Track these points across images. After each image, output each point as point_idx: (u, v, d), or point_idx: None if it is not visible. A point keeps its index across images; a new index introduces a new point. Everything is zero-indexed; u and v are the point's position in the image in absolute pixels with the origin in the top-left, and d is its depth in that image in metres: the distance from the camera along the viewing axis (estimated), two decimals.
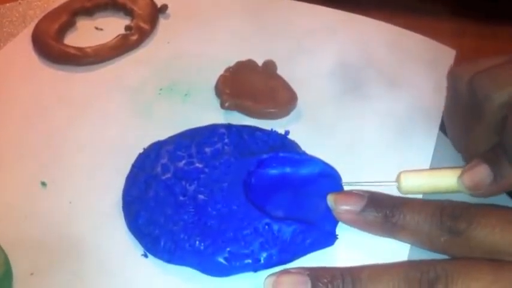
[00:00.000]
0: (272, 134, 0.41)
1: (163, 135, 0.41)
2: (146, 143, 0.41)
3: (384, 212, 0.33)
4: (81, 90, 0.47)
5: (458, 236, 0.31)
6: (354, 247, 0.35)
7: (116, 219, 0.37)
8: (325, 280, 0.30)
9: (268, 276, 0.31)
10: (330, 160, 0.39)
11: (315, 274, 0.30)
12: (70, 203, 0.38)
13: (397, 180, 0.37)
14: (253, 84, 0.45)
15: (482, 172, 0.35)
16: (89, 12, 0.55)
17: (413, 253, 0.34)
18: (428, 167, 0.40)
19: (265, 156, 0.38)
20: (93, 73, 0.49)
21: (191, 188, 0.36)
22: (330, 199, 0.35)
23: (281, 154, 0.38)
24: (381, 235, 0.34)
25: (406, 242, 0.34)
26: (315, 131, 0.43)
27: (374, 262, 0.33)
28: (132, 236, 0.36)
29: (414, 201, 0.34)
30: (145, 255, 0.35)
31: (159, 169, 0.38)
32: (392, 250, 0.34)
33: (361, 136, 0.43)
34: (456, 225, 0.31)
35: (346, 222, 0.35)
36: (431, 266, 0.29)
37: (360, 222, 0.34)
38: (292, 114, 0.44)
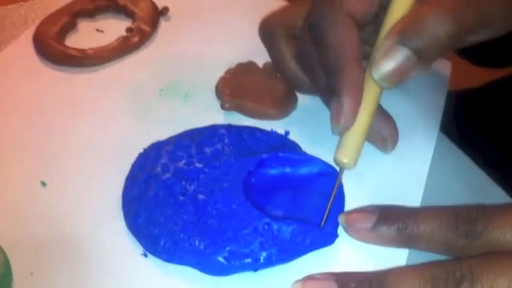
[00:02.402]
0: (272, 134, 0.41)
1: (163, 135, 0.41)
2: (146, 143, 0.41)
3: (397, 224, 0.32)
4: (82, 91, 0.47)
5: (476, 239, 0.30)
6: (354, 246, 0.35)
7: (115, 219, 0.37)
8: (352, 285, 0.30)
9: (294, 282, 0.32)
10: (329, 160, 0.39)
11: (342, 280, 0.30)
12: (70, 202, 0.38)
13: (340, 164, 0.36)
14: (253, 85, 0.45)
15: (401, 51, 0.33)
16: (89, 14, 0.55)
17: (413, 251, 0.34)
18: (428, 168, 0.40)
19: (265, 156, 0.38)
20: (94, 74, 0.49)
21: (191, 188, 0.36)
22: (341, 220, 0.35)
23: (281, 154, 0.38)
24: (396, 247, 0.34)
25: (423, 251, 0.33)
26: (314, 131, 0.43)
27: (374, 261, 0.34)
28: (131, 236, 0.36)
29: (426, 210, 0.33)
30: (145, 255, 0.35)
31: (159, 169, 0.38)
32: (392, 249, 0.34)
33: None
34: (473, 228, 0.30)
35: (360, 240, 0.34)
36: (457, 265, 0.28)
37: (374, 238, 0.34)
38: (293, 114, 0.44)
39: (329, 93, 0.36)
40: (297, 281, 0.32)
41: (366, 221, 0.33)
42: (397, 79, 0.34)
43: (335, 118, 0.35)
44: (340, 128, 0.35)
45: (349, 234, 0.35)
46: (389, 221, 0.33)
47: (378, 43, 0.36)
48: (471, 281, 0.28)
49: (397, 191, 0.38)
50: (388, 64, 0.33)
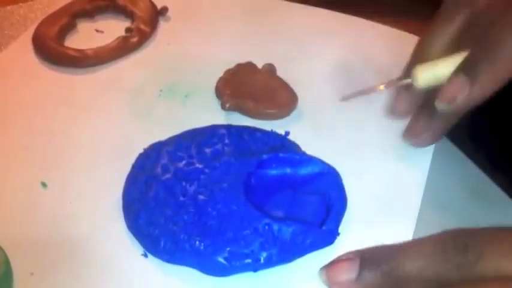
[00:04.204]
0: (272, 134, 0.41)
1: (163, 136, 0.41)
2: (146, 143, 0.41)
3: (381, 269, 0.29)
4: (82, 91, 0.47)
5: (470, 270, 0.27)
6: (354, 246, 0.35)
7: (116, 220, 0.37)
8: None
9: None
10: (330, 160, 0.39)
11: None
12: (70, 203, 0.38)
13: (413, 75, 0.37)
14: (253, 85, 0.45)
15: (459, 82, 0.35)
16: (89, 14, 0.55)
17: None
18: (428, 169, 0.40)
19: (265, 156, 0.38)
20: (93, 75, 0.49)
21: (191, 189, 0.36)
22: (322, 275, 0.31)
23: (281, 155, 0.38)
24: None
25: None
26: (315, 131, 0.43)
27: None
28: (132, 236, 0.36)
29: (409, 244, 0.29)
30: (145, 255, 0.35)
31: (159, 169, 0.38)
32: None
33: (361, 136, 0.43)
34: (465, 259, 0.27)
35: None
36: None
37: None
38: (293, 114, 0.44)
39: None
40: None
41: (348, 271, 0.30)
42: (453, 104, 0.36)
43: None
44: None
45: None
46: (372, 265, 0.29)
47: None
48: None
49: (398, 191, 0.39)
50: (446, 92, 0.36)
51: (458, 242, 0.27)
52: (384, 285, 0.29)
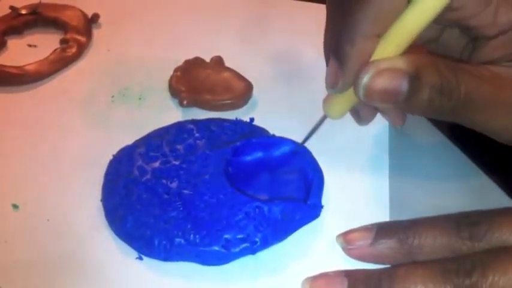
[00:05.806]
0: (239, 122, 0.42)
1: (126, 140, 0.41)
2: (112, 150, 0.40)
3: (397, 237, 0.31)
4: (30, 109, 0.45)
5: (480, 240, 0.29)
6: (339, 217, 0.37)
7: (101, 229, 0.36)
8: (362, 279, 0.29)
9: (304, 279, 0.31)
10: (297, 139, 0.40)
11: (352, 276, 0.30)
12: (48, 220, 0.37)
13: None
14: (206, 79, 0.46)
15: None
16: (17, 30, 0.53)
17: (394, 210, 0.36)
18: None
19: (238, 144, 0.39)
20: (37, 90, 0.47)
21: (173, 185, 0.37)
22: (339, 240, 0.33)
23: (253, 140, 0.39)
24: (400, 261, 0.31)
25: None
26: (277, 114, 0.44)
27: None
28: (122, 242, 0.36)
29: (425, 219, 0.31)
30: (140, 258, 0.35)
31: (136, 172, 0.38)
32: (374, 213, 0.37)
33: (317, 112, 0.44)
34: (476, 230, 0.29)
35: (361, 259, 0.32)
36: (467, 257, 0.28)
37: (376, 255, 0.31)
38: (250, 102, 0.45)
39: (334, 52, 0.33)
40: (308, 278, 0.31)
41: (364, 237, 0.32)
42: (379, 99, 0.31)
43: (332, 79, 0.33)
44: (334, 89, 0.33)
45: (348, 254, 0.33)
46: (389, 234, 0.31)
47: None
48: (482, 271, 0.27)
49: (365, 160, 0.41)
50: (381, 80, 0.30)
51: (470, 217, 0.30)
52: (398, 252, 0.31)
